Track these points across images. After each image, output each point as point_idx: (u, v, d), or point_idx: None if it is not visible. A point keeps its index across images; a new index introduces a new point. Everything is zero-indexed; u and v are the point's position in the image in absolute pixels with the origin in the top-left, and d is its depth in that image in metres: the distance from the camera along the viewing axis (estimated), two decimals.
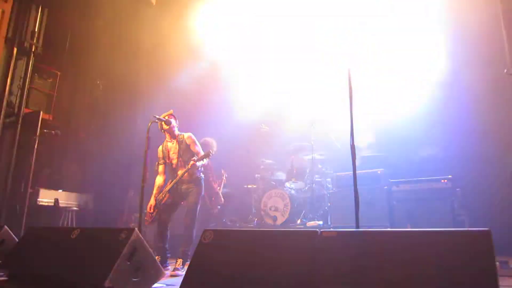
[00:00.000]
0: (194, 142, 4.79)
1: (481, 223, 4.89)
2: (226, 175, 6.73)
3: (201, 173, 4.81)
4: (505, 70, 2.91)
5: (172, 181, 4.69)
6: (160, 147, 4.94)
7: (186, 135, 4.82)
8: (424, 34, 6.62)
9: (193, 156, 4.68)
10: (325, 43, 7.54)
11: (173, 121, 4.82)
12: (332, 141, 6.68)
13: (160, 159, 4.88)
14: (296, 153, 6.84)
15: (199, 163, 4.55)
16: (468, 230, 1.75)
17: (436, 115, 6.24)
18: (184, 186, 4.66)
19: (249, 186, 6.90)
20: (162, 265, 4.39)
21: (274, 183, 6.67)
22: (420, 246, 1.78)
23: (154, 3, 7.69)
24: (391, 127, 6.87)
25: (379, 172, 5.32)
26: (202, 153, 4.72)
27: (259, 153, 7.10)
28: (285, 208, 5.99)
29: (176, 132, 4.88)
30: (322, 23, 7.37)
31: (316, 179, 6.34)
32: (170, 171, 4.83)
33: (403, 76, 6.94)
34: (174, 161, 4.77)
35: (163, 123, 4.79)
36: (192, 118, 6.06)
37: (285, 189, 6.29)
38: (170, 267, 4.51)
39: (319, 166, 6.53)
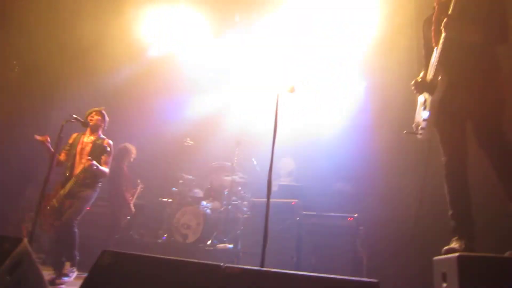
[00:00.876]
0: (108, 154, 4.50)
1: (378, 262, 5.28)
2: (142, 186, 6.45)
3: (100, 182, 4.52)
4: (404, 131, 3.21)
5: (66, 184, 4.30)
6: (75, 135, 4.62)
7: (105, 141, 4.53)
8: (347, 77, 7.23)
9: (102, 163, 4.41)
10: (259, 66, 7.82)
11: (100, 119, 4.55)
12: (253, 165, 6.79)
13: (67, 145, 4.54)
14: (217, 172, 6.82)
15: (95, 167, 4.25)
16: (358, 281, 1.87)
17: (350, 153, 6.69)
18: (78, 189, 4.32)
19: (164, 200, 6.68)
20: (57, 279, 4.03)
21: (190, 199, 6.54)
22: None
23: None
24: (311, 157, 7.21)
25: (293, 203, 5.48)
26: (106, 167, 4.44)
27: (180, 167, 6.94)
28: (197, 227, 5.88)
29: (100, 132, 4.59)
30: (258, 44, 7.61)
31: (233, 201, 6.34)
32: (69, 165, 4.44)
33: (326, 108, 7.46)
34: (78, 159, 4.41)
35: (93, 114, 4.51)
36: (116, 120, 5.73)
37: (200, 207, 6.20)
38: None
39: (238, 188, 6.56)
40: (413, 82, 3.05)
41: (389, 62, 6.08)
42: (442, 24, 2.71)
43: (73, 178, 4.27)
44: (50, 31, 6.90)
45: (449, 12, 2.68)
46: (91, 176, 4.36)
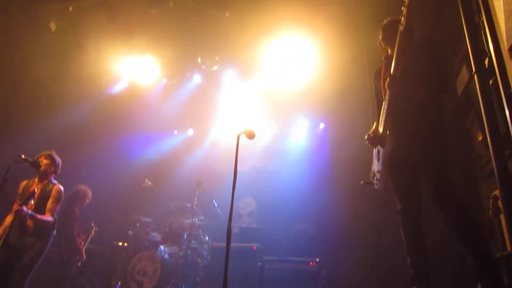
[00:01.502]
0: (55, 199, 4.21)
1: None
2: (96, 229, 6.08)
3: (54, 230, 4.21)
4: (362, 182, 3.28)
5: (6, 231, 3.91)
6: (25, 183, 4.31)
7: (55, 187, 4.27)
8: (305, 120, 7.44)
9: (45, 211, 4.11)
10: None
11: (49, 163, 4.29)
12: (215, 208, 6.67)
13: (18, 195, 4.19)
14: (176, 215, 6.61)
15: (27, 216, 3.90)
16: None
17: (310, 195, 6.76)
18: (28, 239, 3.97)
19: (120, 244, 6.31)
20: None
21: (147, 243, 6.23)
22: None
23: (53, 30, 7.06)
24: (272, 198, 7.21)
25: (254, 248, 5.38)
26: (49, 215, 4.11)
27: (137, 209, 6.66)
28: (154, 274, 5.57)
29: (51, 177, 4.33)
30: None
31: (193, 245, 6.11)
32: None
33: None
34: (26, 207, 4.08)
35: (41, 159, 4.25)
36: (70, 159, 5.48)
37: (158, 252, 5.91)
38: None
39: (199, 231, 6.36)
40: (366, 136, 3.16)
41: (345, 112, 6.34)
42: (386, 83, 2.85)
43: (7, 228, 3.92)
44: (2, 64, 6.61)
45: (391, 72, 2.84)
46: (40, 226, 4.04)
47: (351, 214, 6.06)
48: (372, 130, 3.19)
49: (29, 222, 3.98)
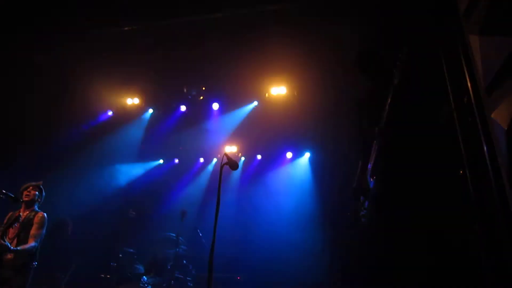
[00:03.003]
0: (39, 225, 4.15)
1: None
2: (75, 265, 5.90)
3: (35, 261, 4.10)
4: (348, 213, 3.27)
5: None
6: (11, 214, 4.25)
7: (38, 214, 4.21)
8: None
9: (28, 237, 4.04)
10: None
11: (37, 194, 4.25)
12: (200, 237, 6.58)
13: (3, 225, 4.09)
14: (160, 244, 6.49)
15: (20, 250, 3.87)
16: None
17: (297, 225, 6.75)
18: (6, 273, 3.86)
19: (102, 276, 6.11)
20: None
21: (130, 275, 6.06)
22: None
23: (38, 64, 6.94)
24: (258, 228, 7.17)
25: (239, 278, 5.31)
26: (33, 241, 4.04)
27: (121, 239, 6.52)
28: None
29: (35, 206, 4.26)
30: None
31: (177, 276, 5.98)
32: None
33: None
34: (10, 237, 4.02)
35: (30, 189, 4.22)
36: (53, 190, 5.35)
37: (141, 283, 5.74)
38: None
39: (183, 261, 6.23)
40: (352, 188, 3.19)
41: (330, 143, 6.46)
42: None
43: None
44: None
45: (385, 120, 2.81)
46: (21, 257, 3.94)
47: (337, 247, 6.05)
48: (355, 182, 3.22)
49: (10, 256, 3.87)
